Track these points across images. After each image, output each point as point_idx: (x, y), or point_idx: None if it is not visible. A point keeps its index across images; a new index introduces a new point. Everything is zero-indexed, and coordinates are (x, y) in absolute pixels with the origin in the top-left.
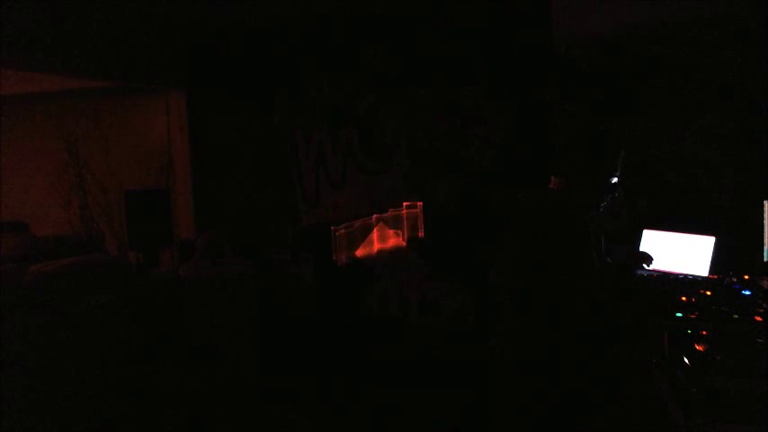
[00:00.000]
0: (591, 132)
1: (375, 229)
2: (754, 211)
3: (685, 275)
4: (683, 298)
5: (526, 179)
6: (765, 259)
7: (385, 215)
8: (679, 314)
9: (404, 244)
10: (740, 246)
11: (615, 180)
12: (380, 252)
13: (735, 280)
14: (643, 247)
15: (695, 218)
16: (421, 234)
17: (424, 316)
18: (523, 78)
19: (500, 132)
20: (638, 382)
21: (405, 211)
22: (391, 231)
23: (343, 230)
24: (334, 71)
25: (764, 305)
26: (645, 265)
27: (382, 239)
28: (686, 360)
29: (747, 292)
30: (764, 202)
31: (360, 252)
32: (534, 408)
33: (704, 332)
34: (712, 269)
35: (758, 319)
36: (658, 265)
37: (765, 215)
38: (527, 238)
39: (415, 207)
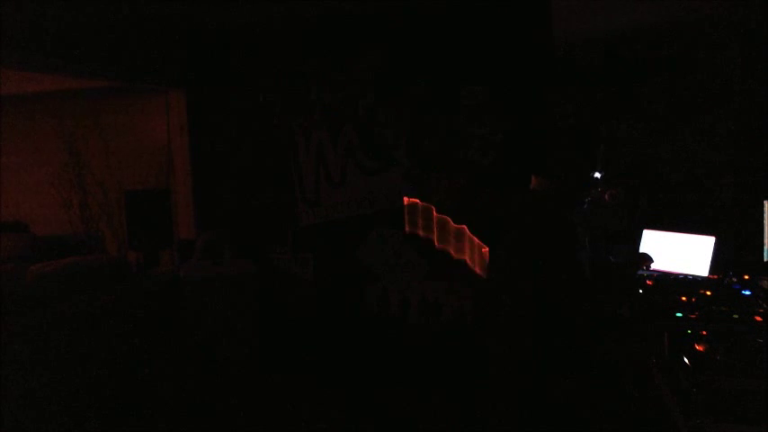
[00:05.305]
0: (573, 131)
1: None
2: (754, 211)
3: (685, 275)
4: (683, 298)
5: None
6: (765, 259)
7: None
8: (679, 314)
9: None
10: (740, 246)
11: (597, 175)
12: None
13: (735, 280)
14: (643, 248)
15: (695, 218)
16: (421, 233)
17: (424, 316)
18: (523, 78)
19: (500, 132)
20: (638, 382)
21: (405, 210)
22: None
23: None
24: (333, 71)
25: (764, 305)
26: (646, 267)
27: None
28: (686, 360)
29: (747, 292)
30: (764, 202)
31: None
32: (532, 407)
33: (704, 332)
34: (712, 269)
35: (758, 319)
36: (658, 265)
37: (765, 215)
38: (521, 238)
39: (416, 206)
